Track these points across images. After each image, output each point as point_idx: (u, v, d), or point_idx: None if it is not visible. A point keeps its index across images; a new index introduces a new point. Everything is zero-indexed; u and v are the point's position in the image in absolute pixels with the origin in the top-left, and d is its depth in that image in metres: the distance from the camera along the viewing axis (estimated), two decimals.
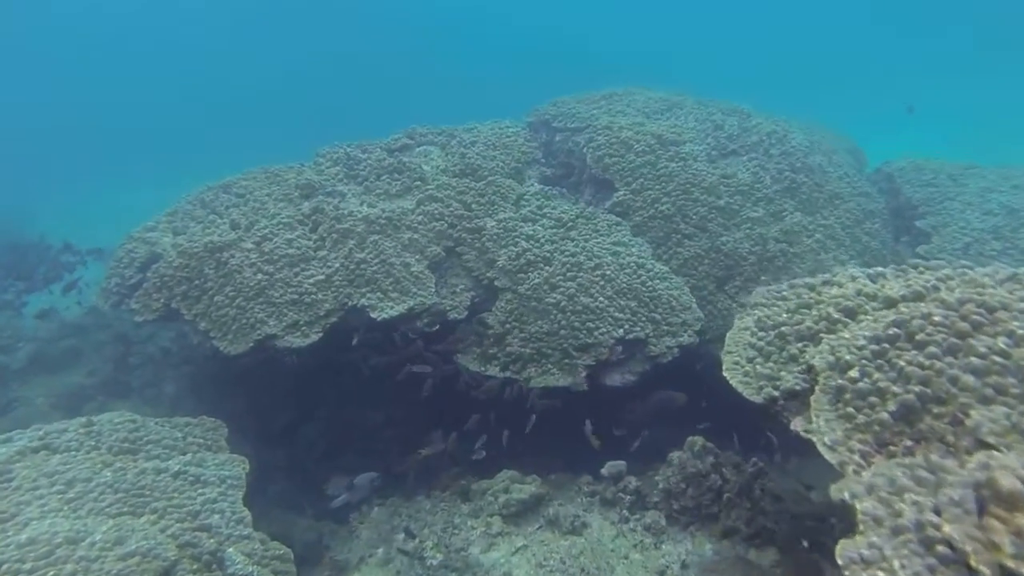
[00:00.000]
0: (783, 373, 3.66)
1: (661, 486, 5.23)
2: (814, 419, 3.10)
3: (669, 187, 7.46)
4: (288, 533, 6.42)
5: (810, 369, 3.48)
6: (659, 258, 7.00)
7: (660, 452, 6.72)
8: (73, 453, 4.71)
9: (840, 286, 4.10)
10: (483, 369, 5.98)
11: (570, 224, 6.75)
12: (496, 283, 6.30)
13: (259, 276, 5.99)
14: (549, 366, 5.90)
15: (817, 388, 3.27)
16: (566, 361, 5.88)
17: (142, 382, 9.09)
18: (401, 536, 5.58)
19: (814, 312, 3.85)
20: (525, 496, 5.37)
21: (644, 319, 6.07)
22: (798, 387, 3.50)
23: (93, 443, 4.84)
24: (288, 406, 7.46)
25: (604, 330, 5.95)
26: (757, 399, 3.67)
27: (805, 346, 3.69)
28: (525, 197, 7.07)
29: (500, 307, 6.20)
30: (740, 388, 3.80)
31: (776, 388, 3.60)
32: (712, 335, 6.60)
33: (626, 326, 5.99)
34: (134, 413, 8.21)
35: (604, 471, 5.57)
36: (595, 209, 7.40)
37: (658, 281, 6.34)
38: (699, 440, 5.23)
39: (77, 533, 3.96)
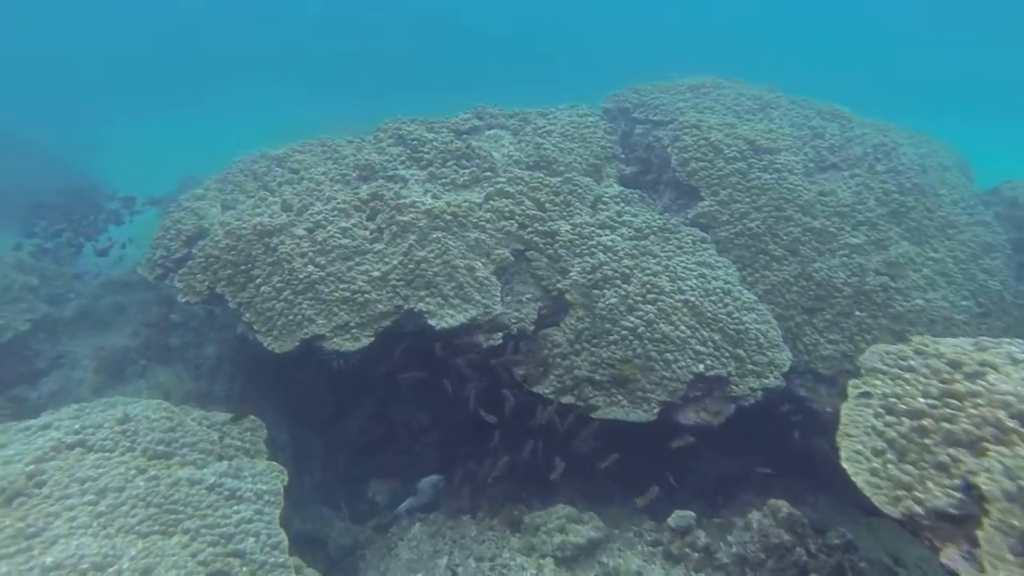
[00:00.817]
0: (929, 484, 3.05)
1: (735, 550, 4.71)
2: (989, 569, 2.50)
3: (760, 201, 6.73)
4: (323, 533, 6.14)
5: (971, 489, 2.87)
6: (743, 280, 6.36)
7: (726, 493, 6.24)
8: (107, 454, 4.37)
9: (995, 369, 3.44)
10: (544, 392, 5.48)
11: (652, 236, 6.10)
12: (567, 296, 5.73)
13: (310, 268, 5.52)
14: (619, 396, 5.36)
15: (987, 523, 2.66)
16: (638, 393, 5.34)
17: (183, 342, 8.87)
18: (443, 562, 5.20)
19: (971, 409, 3.20)
20: (582, 540, 4.91)
21: (727, 355, 5.47)
22: (953, 510, 2.90)
23: (128, 443, 4.50)
24: (330, 393, 7.12)
25: (683, 364, 5.36)
26: (893, 512, 3.07)
27: (960, 452, 3.06)
28: (603, 199, 6.42)
29: (569, 324, 5.65)
30: (868, 492, 3.21)
31: (919, 503, 3.00)
32: (795, 371, 6.00)
33: (708, 361, 5.40)
34: (174, 380, 8.08)
35: (671, 522, 5.06)
36: (678, 220, 6.73)
37: (746, 312, 5.69)
38: (783, 506, 4.67)
39: (104, 558, 3.63)
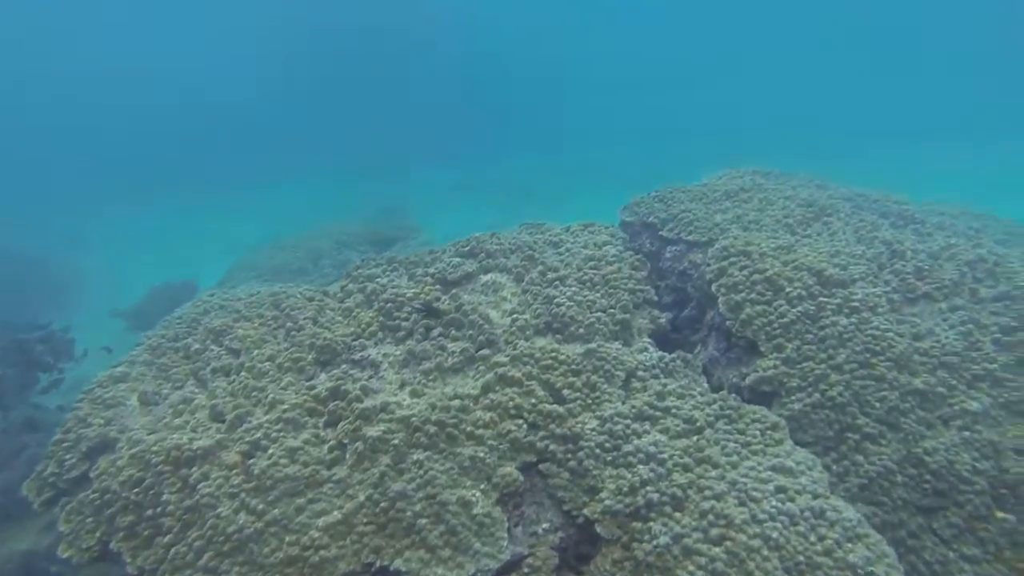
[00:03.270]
0: None
1: None
2: None
3: (839, 357, 5.17)
4: None
5: None
6: (827, 470, 4.78)
7: None
8: None
9: None
10: None
11: (707, 431, 4.54)
12: (598, 528, 4.15)
13: (242, 517, 3.98)
14: None
15: None
16: None
17: None
18: None
19: None
20: None
21: None
22: None
23: None
24: None
25: None
26: None
27: None
28: (638, 373, 4.88)
29: (603, 568, 4.06)
30: None
31: None
32: None
33: None
34: None
35: None
36: (732, 379, 5.20)
37: (851, 545, 4.06)
38: None
39: None
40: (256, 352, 4.96)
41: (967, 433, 4.89)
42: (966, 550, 4.53)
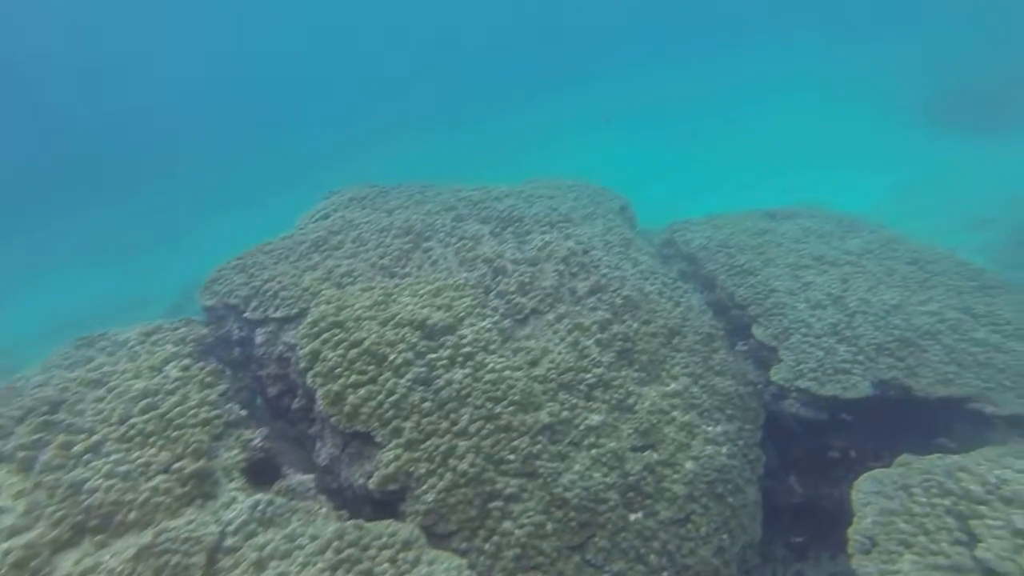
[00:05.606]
0: None
1: None
2: None
3: (463, 420, 4.61)
4: None
5: None
6: (479, 554, 4.23)
7: None
8: None
9: None
10: None
11: None
12: None
13: None
14: None
15: None
16: None
17: None
18: None
19: None
20: None
21: None
22: None
23: None
24: None
25: None
26: None
27: None
28: (226, 544, 3.61)
29: None
30: None
31: None
32: None
33: None
34: None
35: None
36: (356, 526, 4.29)
37: None
38: None
39: None
40: None
41: (594, 451, 4.76)
42: (615, 566, 4.40)
